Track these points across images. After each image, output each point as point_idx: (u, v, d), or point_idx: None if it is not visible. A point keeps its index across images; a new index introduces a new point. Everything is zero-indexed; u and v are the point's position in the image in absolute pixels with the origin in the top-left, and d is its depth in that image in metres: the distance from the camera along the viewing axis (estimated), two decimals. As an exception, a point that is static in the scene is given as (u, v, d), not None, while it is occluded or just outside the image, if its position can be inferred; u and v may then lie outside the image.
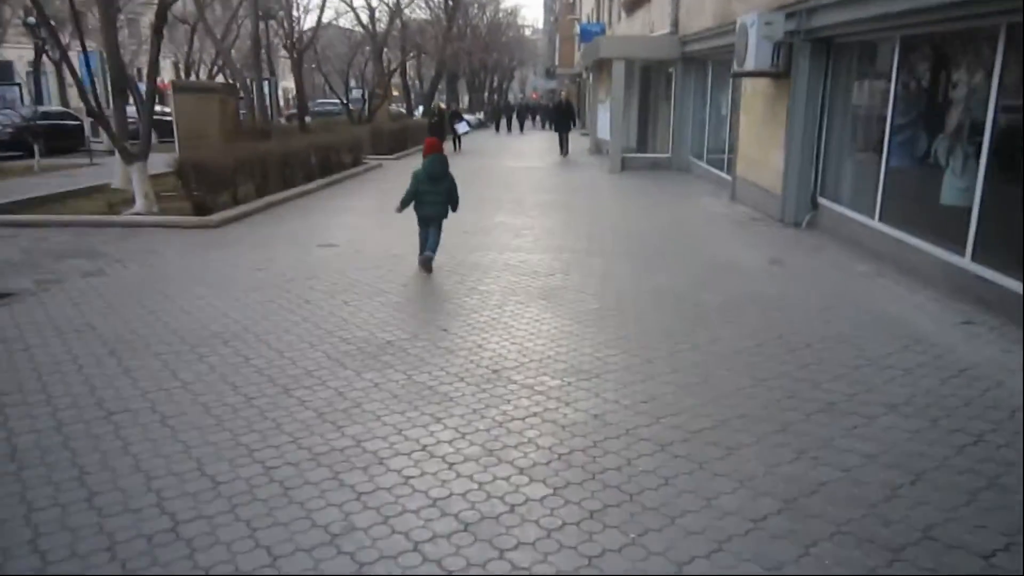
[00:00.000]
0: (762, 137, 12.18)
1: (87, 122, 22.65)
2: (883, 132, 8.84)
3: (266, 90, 32.18)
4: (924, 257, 7.73)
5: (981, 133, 6.89)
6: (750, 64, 10.72)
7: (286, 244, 9.62)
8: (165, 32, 12.62)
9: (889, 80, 8.72)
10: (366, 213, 12.50)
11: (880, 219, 8.85)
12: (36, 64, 37.51)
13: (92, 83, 14.30)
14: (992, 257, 6.76)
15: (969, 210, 7.05)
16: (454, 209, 8.10)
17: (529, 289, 7.39)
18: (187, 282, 7.63)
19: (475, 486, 3.67)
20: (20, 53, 38.10)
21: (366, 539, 3.23)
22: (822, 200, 10.56)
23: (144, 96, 12.64)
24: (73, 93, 38.67)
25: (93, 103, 11.98)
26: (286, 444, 4.09)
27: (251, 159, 13.59)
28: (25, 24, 32.56)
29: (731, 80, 15.29)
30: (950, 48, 7.97)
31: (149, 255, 8.89)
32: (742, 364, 5.33)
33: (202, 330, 6.05)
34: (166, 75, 52.27)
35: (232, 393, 4.79)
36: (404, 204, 7.95)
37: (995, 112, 6.72)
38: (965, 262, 7.07)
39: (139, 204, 12.03)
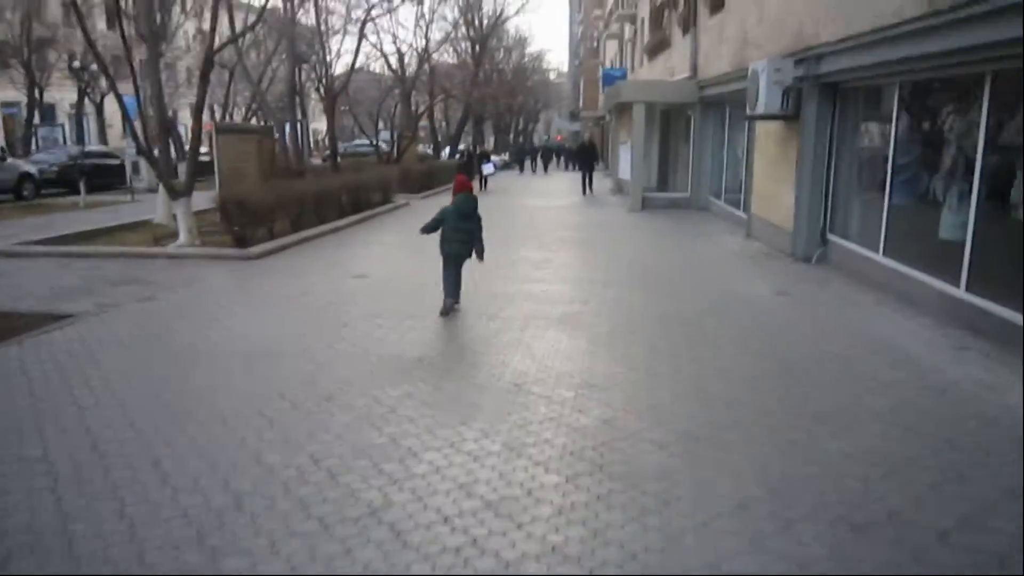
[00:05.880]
0: (774, 176, 12.74)
1: (128, 161, 23.82)
2: (886, 171, 9.37)
3: (299, 131, 33.59)
4: (923, 288, 8.20)
5: (972, 172, 7.41)
6: (761, 108, 11.34)
7: (321, 274, 10.29)
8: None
9: (890, 122, 9.28)
10: (395, 247, 13.19)
11: (884, 253, 9.34)
12: (79, 106, 39.20)
13: (142, 124, 15.20)
14: (984, 287, 7.22)
15: (963, 244, 7.54)
16: (479, 256, 8.14)
17: (548, 315, 7.95)
18: (232, 306, 8.29)
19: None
20: (62, 95, 39.77)
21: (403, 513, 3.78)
22: (831, 236, 11.06)
23: (188, 136, 13.53)
24: (113, 134, 40.42)
25: (143, 142, 12.86)
26: (332, 440, 4.66)
27: (288, 196, 14.41)
28: (70, 68, 34.22)
29: (746, 122, 15.94)
30: (943, 93, 8.52)
31: (195, 283, 9.59)
32: (738, 378, 5.82)
33: (251, 347, 6.66)
34: (204, 117, 54.03)
35: (279, 399, 5.37)
36: (426, 230, 8.06)
37: (984, 152, 7.24)
38: (960, 292, 7.53)
39: (183, 238, 12.80)
